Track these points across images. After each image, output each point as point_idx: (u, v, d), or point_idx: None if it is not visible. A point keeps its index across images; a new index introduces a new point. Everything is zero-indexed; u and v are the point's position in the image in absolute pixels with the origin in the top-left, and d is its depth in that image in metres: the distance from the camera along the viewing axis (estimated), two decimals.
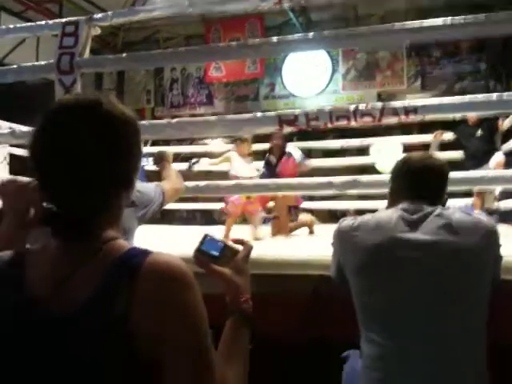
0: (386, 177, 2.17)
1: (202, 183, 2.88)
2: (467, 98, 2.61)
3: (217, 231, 4.47)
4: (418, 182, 1.76)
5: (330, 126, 2.65)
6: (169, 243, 3.71)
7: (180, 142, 7.90)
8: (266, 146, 5.73)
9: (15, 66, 3.28)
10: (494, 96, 2.56)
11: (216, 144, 8.50)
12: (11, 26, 3.40)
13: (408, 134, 6.96)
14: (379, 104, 2.67)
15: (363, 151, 6.70)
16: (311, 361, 2.33)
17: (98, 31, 3.21)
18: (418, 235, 1.61)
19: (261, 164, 5.34)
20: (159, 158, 2.48)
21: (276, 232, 4.79)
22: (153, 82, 10.70)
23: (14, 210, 1.16)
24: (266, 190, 3.25)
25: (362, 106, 2.63)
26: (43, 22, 3.46)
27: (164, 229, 5.53)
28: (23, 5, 7.90)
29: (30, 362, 0.86)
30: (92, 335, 0.83)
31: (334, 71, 9.45)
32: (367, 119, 2.59)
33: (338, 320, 2.05)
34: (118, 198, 0.97)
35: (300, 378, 2.44)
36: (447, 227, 1.60)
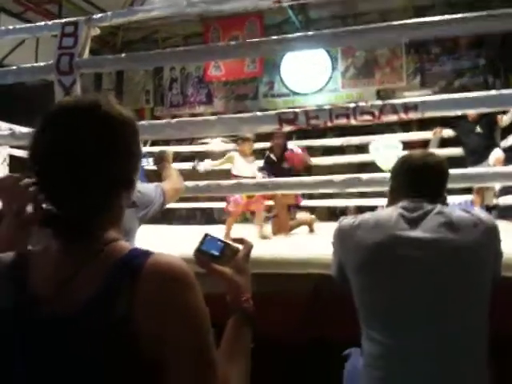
0: (386, 175, 2.17)
1: (203, 183, 2.88)
2: (467, 94, 2.61)
3: (217, 230, 4.48)
4: (418, 180, 1.76)
5: (329, 124, 2.65)
6: (169, 243, 3.72)
7: (180, 141, 7.91)
8: (262, 145, 5.74)
9: (15, 67, 3.28)
10: (494, 92, 2.57)
11: (216, 143, 8.50)
12: (11, 27, 3.40)
13: (408, 131, 6.98)
14: (379, 102, 2.67)
15: (363, 149, 6.71)
16: (311, 360, 2.34)
17: (97, 31, 3.21)
18: (418, 233, 1.61)
19: (260, 163, 5.34)
20: (159, 158, 2.48)
21: (276, 231, 4.80)
22: (152, 82, 10.71)
23: (12, 206, 1.16)
24: (265, 189, 3.24)
25: (361, 104, 2.63)
26: (43, 23, 3.46)
27: (164, 228, 5.53)
28: (22, 6, 7.90)
29: (32, 362, 0.87)
30: (93, 335, 0.83)
31: (333, 69, 9.47)
32: (367, 117, 2.59)
33: (339, 319, 2.05)
34: (119, 198, 0.97)
35: (300, 378, 2.45)
36: (447, 225, 1.61)
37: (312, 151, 6.39)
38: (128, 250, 0.91)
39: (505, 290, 1.76)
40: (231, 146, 6.52)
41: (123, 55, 3.19)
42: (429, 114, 2.60)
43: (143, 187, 2.01)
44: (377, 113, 2.57)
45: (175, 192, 2.28)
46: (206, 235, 1.07)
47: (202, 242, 1.06)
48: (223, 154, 5.35)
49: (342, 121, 2.62)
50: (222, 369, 0.88)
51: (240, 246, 1.09)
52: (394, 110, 2.55)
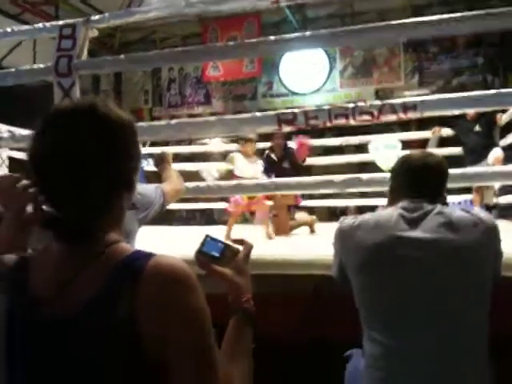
0: (386, 175, 2.18)
1: (203, 184, 2.88)
2: (466, 94, 2.62)
3: (217, 231, 4.48)
4: (418, 180, 1.76)
5: (328, 124, 2.65)
6: (169, 244, 3.72)
7: (179, 142, 7.91)
8: (262, 145, 5.74)
9: (14, 70, 3.28)
10: (492, 91, 2.57)
11: (215, 144, 8.50)
12: (9, 30, 3.39)
13: (406, 130, 6.97)
14: (378, 102, 2.67)
15: (362, 148, 6.71)
16: (312, 361, 2.34)
17: (95, 33, 3.21)
18: (418, 233, 1.61)
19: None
20: (159, 160, 2.48)
21: (275, 231, 4.79)
22: (150, 82, 10.71)
23: (10, 207, 1.16)
24: (265, 189, 3.25)
25: (360, 104, 2.63)
26: (41, 25, 3.45)
27: (164, 229, 5.53)
28: (19, 7, 7.89)
29: (32, 363, 0.88)
30: (93, 336, 0.84)
31: (331, 69, 9.46)
32: (366, 117, 2.59)
33: (339, 320, 2.06)
34: (119, 199, 0.98)
35: (301, 378, 2.45)
36: (447, 225, 1.61)
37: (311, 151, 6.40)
38: (129, 252, 0.91)
39: (505, 289, 1.76)
40: (231, 146, 6.51)
41: (122, 56, 3.18)
42: (428, 114, 2.61)
43: (143, 188, 2.01)
44: (376, 113, 2.57)
45: (175, 193, 2.28)
46: (207, 236, 1.08)
47: (202, 244, 1.07)
48: (222, 154, 5.35)
49: (341, 121, 2.63)
50: (223, 369, 0.89)
51: (240, 247, 1.09)
52: (393, 109, 2.56)
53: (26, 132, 3.30)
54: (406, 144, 6.04)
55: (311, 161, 6.23)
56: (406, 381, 1.55)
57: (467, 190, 5.48)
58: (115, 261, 0.89)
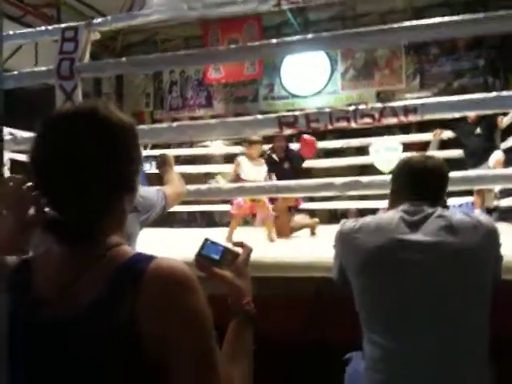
0: (387, 177, 2.18)
1: (204, 186, 2.89)
2: (466, 97, 2.62)
3: (218, 233, 4.49)
4: (419, 183, 1.76)
5: (330, 127, 2.66)
6: (170, 246, 3.72)
7: (180, 144, 7.92)
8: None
9: (16, 72, 3.28)
10: (493, 94, 2.57)
11: (216, 146, 8.51)
12: (11, 32, 3.40)
13: (407, 132, 6.98)
14: (379, 105, 2.67)
15: (363, 151, 6.72)
16: (313, 363, 2.34)
17: (97, 36, 3.22)
18: (419, 236, 1.62)
19: None
20: (161, 162, 2.48)
21: (276, 233, 4.79)
22: (152, 85, 10.72)
23: (14, 208, 1.16)
24: (266, 192, 3.25)
25: (361, 107, 2.63)
26: (43, 28, 3.46)
27: (165, 232, 5.53)
28: (21, 9, 7.90)
29: (32, 363, 0.88)
30: (94, 338, 0.84)
31: (332, 71, 9.47)
32: (367, 120, 2.60)
33: (340, 322, 2.06)
34: (120, 202, 0.98)
35: (301, 381, 2.45)
36: (448, 228, 1.61)
37: None
38: (131, 255, 0.92)
39: (505, 292, 1.76)
40: (232, 148, 6.52)
41: (124, 59, 3.18)
42: (428, 117, 2.61)
43: (145, 191, 2.01)
44: (377, 115, 2.58)
45: (177, 196, 2.29)
46: (207, 240, 1.08)
47: (202, 247, 1.07)
48: (224, 156, 5.35)
49: (343, 124, 2.63)
50: (224, 371, 0.89)
51: (240, 250, 1.10)
52: (394, 112, 2.56)
53: (27, 134, 3.31)
54: (406, 146, 6.05)
55: (312, 163, 6.24)
56: (406, 383, 1.55)
57: (468, 193, 5.48)
58: (117, 263, 0.90)
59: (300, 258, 2.56)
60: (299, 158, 5.44)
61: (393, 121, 2.62)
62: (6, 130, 4.03)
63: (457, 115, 2.79)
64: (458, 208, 5.53)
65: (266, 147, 5.57)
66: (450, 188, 1.90)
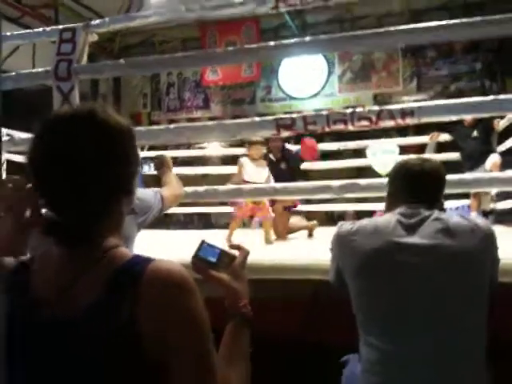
0: (384, 180, 2.19)
1: (201, 188, 2.88)
2: (463, 100, 2.63)
3: (215, 235, 4.49)
4: (416, 186, 1.77)
5: (327, 129, 2.66)
6: (167, 248, 3.72)
7: (177, 146, 7.92)
8: None
9: (13, 74, 3.28)
10: (490, 98, 2.58)
11: (213, 148, 8.51)
12: (9, 34, 3.40)
13: (404, 135, 6.99)
14: (376, 108, 2.68)
15: (360, 153, 6.73)
16: (310, 365, 2.34)
17: (95, 37, 3.22)
18: (416, 239, 1.62)
19: None
20: (160, 164, 2.48)
21: (274, 233, 4.78)
22: (149, 86, 10.72)
23: (12, 210, 1.16)
24: (263, 194, 3.25)
25: (358, 110, 2.64)
26: (41, 29, 3.46)
27: (162, 233, 5.53)
28: (19, 10, 7.89)
29: (32, 363, 0.89)
30: (93, 339, 0.85)
31: (329, 73, 9.49)
32: (364, 123, 2.60)
33: (337, 325, 2.05)
34: (118, 204, 0.99)
35: (298, 383, 2.45)
36: (445, 231, 1.62)
37: None
38: (129, 257, 0.92)
39: (503, 295, 1.76)
40: (229, 150, 6.51)
41: (121, 61, 3.18)
42: (425, 120, 2.62)
43: (142, 193, 2.01)
44: (374, 118, 2.58)
45: (174, 198, 2.29)
46: (203, 242, 1.08)
47: (198, 249, 1.07)
48: (221, 158, 5.34)
49: (340, 126, 2.63)
50: (221, 374, 0.90)
51: (237, 253, 1.10)
52: (392, 115, 2.56)
53: (24, 135, 3.31)
54: (403, 149, 6.06)
55: (309, 165, 6.24)
56: None
57: (465, 196, 5.49)
58: (115, 266, 0.90)
59: (297, 260, 2.56)
60: (297, 159, 5.44)
61: (390, 124, 2.62)
62: (4, 130, 4.03)
63: (454, 118, 2.79)
64: (454, 211, 5.54)
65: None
66: (447, 191, 1.90)
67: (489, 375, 1.57)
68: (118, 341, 0.84)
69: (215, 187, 2.95)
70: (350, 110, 2.65)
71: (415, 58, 9.14)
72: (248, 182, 4.41)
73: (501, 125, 5.51)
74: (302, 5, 2.84)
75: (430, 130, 5.88)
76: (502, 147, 5.60)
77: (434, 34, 2.63)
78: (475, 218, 1.74)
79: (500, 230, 4.01)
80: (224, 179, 4.77)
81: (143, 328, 0.84)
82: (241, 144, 5.24)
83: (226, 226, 4.68)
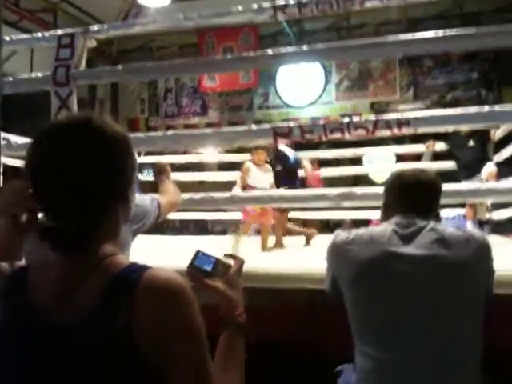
0: (380, 189, 2.19)
1: (197, 195, 2.88)
2: (459, 110, 2.64)
3: (210, 241, 4.48)
4: (411, 197, 1.77)
5: (324, 138, 2.68)
6: (162, 254, 3.70)
7: (174, 151, 7.90)
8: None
9: (11, 79, 3.28)
10: (486, 109, 2.60)
11: (210, 154, 8.48)
12: (7, 38, 3.40)
13: (401, 143, 6.99)
14: (372, 117, 2.69)
15: (357, 161, 6.73)
16: (305, 375, 2.33)
17: (93, 43, 3.23)
18: (411, 249, 1.63)
19: None
20: (158, 172, 2.48)
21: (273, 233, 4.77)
22: (147, 91, 10.71)
23: (9, 213, 1.16)
24: (259, 201, 3.26)
25: (355, 119, 2.65)
26: (39, 34, 3.46)
27: (157, 239, 5.51)
28: (17, 14, 7.90)
29: (30, 368, 0.88)
30: (91, 346, 0.85)
31: (327, 81, 9.51)
32: (361, 132, 2.62)
33: (332, 334, 2.06)
34: (115, 212, 0.99)
35: None
36: (440, 241, 1.62)
37: None
38: (125, 265, 0.92)
39: (497, 307, 1.76)
40: (226, 156, 6.51)
41: (120, 67, 3.20)
42: (421, 130, 2.64)
43: (139, 200, 2.00)
44: (371, 128, 2.59)
45: (171, 206, 2.28)
46: (198, 251, 1.09)
47: (194, 258, 1.08)
48: (218, 164, 5.34)
49: (337, 135, 2.65)
50: (217, 380, 0.90)
51: (232, 262, 1.11)
52: (388, 125, 2.58)
53: (21, 140, 3.30)
54: (400, 157, 6.07)
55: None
56: None
57: (460, 205, 5.49)
58: (111, 273, 0.90)
59: (292, 269, 2.56)
60: (291, 161, 5.44)
61: (386, 133, 2.64)
62: (1, 134, 4.02)
63: (450, 129, 2.81)
64: (450, 220, 5.54)
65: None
66: (443, 201, 1.91)
67: None
68: (115, 347, 0.84)
69: (211, 194, 2.95)
70: (346, 119, 2.66)
71: (412, 67, 9.17)
72: (252, 187, 4.40)
73: (497, 134, 5.51)
74: (301, 14, 2.86)
75: (427, 138, 5.90)
76: (498, 157, 5.62)
77: (432, 44, 2.65)
78: (470, 229, 1.74)
79: (496, 241, 4.03)
80: (221, 186, 4.77)
81: (139, 335, 0.84)
82: (238, 150, 5.23)
83: (221, 233, 4.68)
